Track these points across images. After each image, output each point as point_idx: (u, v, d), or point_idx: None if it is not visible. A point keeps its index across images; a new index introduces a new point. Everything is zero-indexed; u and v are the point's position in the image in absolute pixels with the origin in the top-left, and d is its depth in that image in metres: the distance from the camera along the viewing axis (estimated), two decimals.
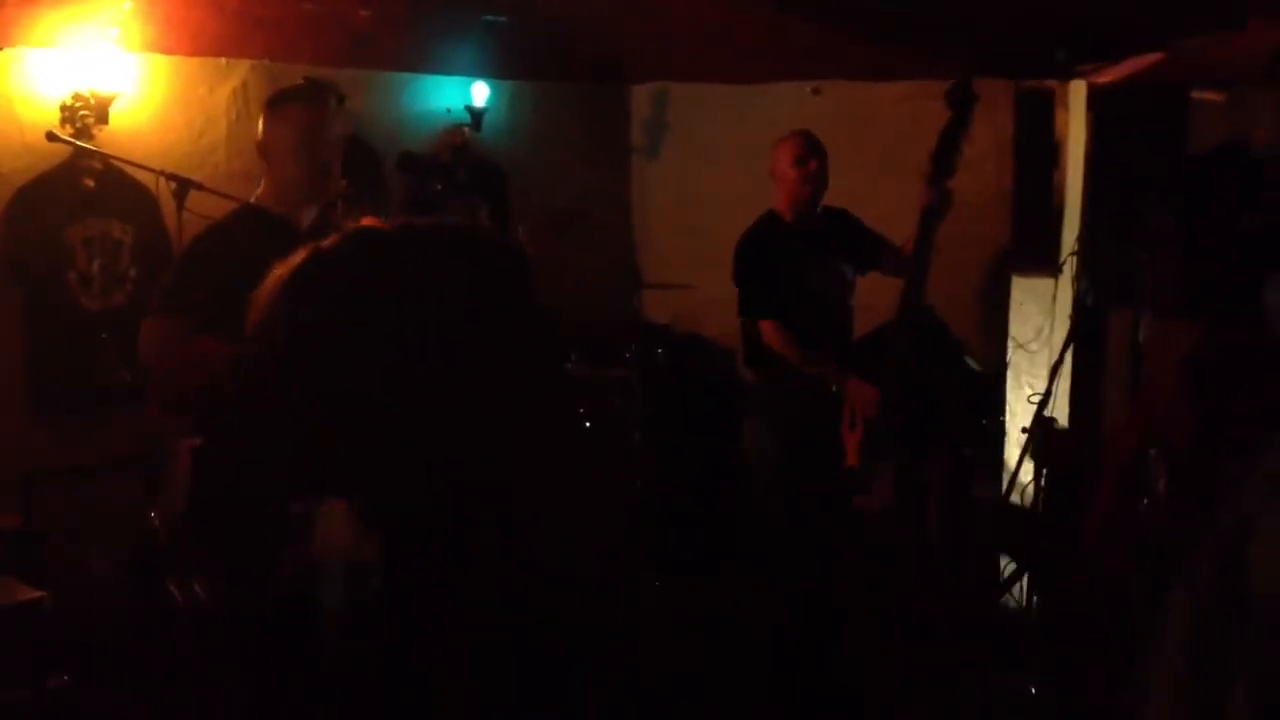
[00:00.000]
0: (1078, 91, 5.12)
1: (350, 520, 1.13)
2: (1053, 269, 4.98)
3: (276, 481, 1.16)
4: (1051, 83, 5.17)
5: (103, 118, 4.32)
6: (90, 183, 4.35)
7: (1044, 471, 4.28)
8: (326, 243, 1.12)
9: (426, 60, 5.42)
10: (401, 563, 1.12)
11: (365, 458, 1.08)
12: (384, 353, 1.06)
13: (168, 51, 4.55)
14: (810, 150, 4.34)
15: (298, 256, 1.11)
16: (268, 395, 1.09)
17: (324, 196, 3.10)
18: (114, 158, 4.28)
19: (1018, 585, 4.33)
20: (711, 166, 5.92)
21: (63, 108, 4.25)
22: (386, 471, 1.08)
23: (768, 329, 4.28)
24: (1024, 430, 4.34)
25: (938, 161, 3.96)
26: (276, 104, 3.11)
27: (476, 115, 5.58)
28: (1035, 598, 4.22)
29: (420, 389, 1.06)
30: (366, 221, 1.18)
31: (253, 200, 3.13)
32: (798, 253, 4.34)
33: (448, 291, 1.09)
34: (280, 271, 1.11)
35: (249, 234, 3.01)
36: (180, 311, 2.92)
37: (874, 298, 4.56)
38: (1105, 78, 5.00)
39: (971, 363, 4.43)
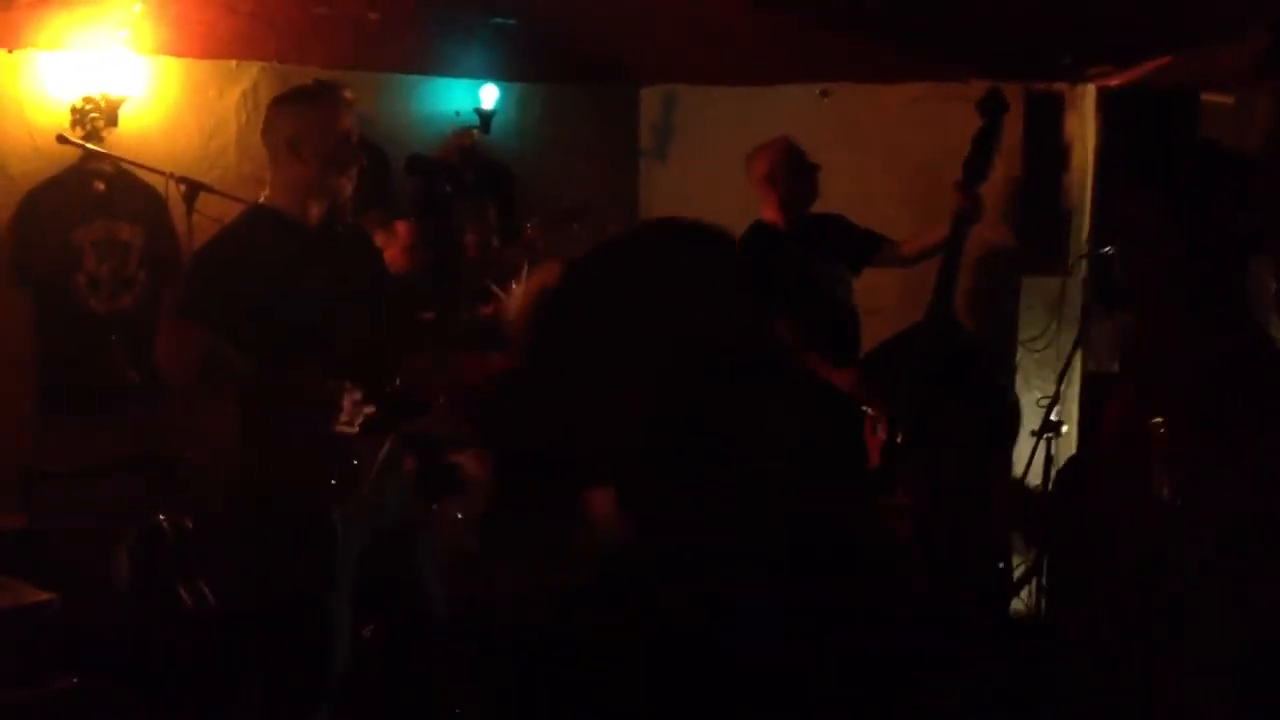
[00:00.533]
0: (1087, 94, 5.11)
1: (612, 504, 1.21)
2: (1062, 271, 4.97)
3: (568, 476, 1.24)
4: (1061, 85, 5.16)
5: (112, 120, 4.33)
6: (100, 185, 4.37)
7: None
8: (580, 255, 1.21)
9: (435, 63, 5.44)
10: (652, 539, 1.20)
11: (628, 447, 1.17)
12: (641, 350, 1.14)
13: (178, 54, 4.57)
14: (792, 158, 4.34)
15: (552, 271, 1.21)
16: (540, 400, 1.20)
17: (332, 195, 3.08)
18: (124, 160, 4.29)
19: (1027, 588, 4.32)
20: (719, 169, 5.89)
21: (73, 110, 4.27)
22: (643, 458, 1.17)
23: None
24: (1033, 434, 4.33)
25: (970, 168, 3.96)
26: (282, 102, 3.10)
27: (485, 118, 5.59)
28: (1044, 600, 4.21)
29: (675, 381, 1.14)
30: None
31: (261, 199, 3.12)
32: (795, 257, 4.32)
33: (698, 289, 1.17)
34: (535, 285, 1.21)
35: (260, 235, 3.02)
36: (195, 316, 2.93)
37: (879, 300, 4.55)
38: (1115, 80, 4.99)
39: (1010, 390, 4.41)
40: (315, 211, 3.08)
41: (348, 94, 3.11)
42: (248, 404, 2.94)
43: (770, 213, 4.38)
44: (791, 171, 4.35)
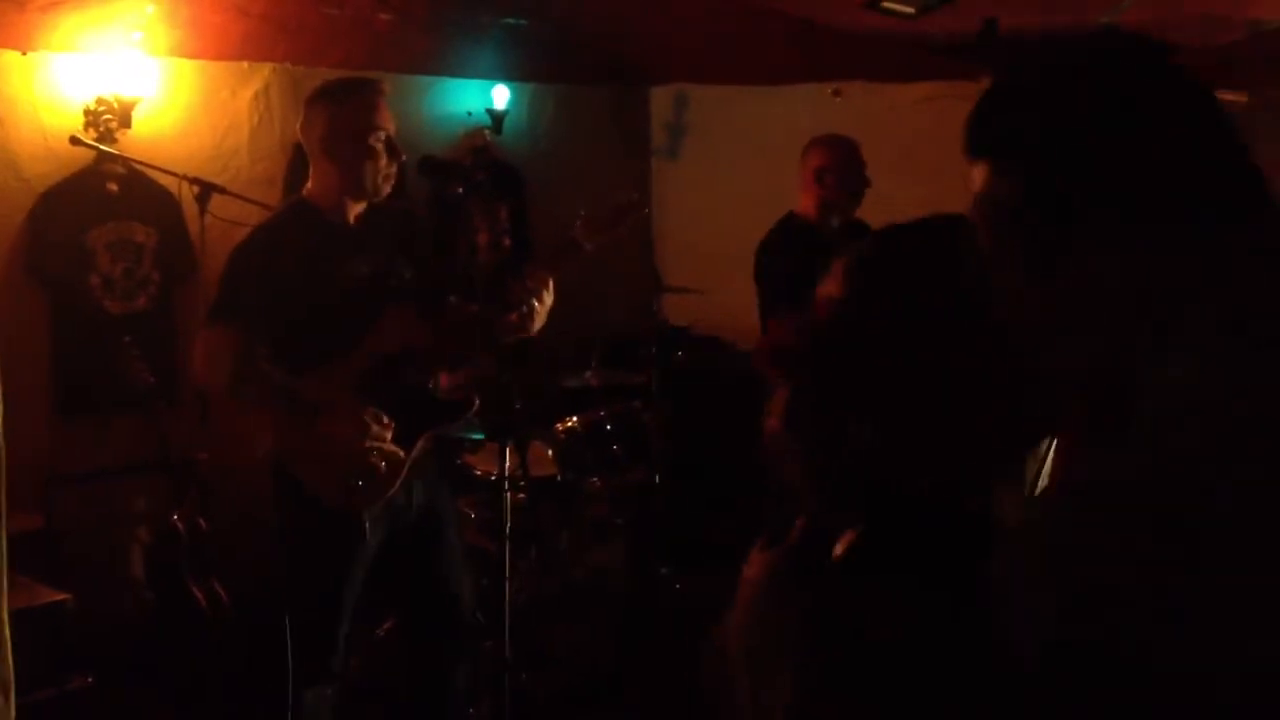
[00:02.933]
0: None
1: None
2: None
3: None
4: None
5: (126, 122, 4.34)
6: (113, 187, 4.38)
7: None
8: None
9: (447, 64, 5.44)
10: None
11: None
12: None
13: (190, 55, 4.58)
14: (850, 165, 4.27)
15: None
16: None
17: (368, 195, 3.02)
18: (137, 162, 4.31)
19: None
20: (731, 168, 5.92)
21: (86, 112, 4.28)
22: None
23: None
24: None
25: None
26: (315, 100, 3.03)
27: (497, 118, 5.60)
28: None
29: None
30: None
31: (304, 194, 3.07)
32: (818, 257, 4.26)
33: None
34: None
35: (297, 233, 2.97)
36: (227, 319, 2.88)
37: None
38: None
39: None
40: (352, 207, 3.02)
41: (384, 88, 3.05)
42: (278, 411, 2.92)
43: (806, 206, 4.32)
44: (843, 179, 4.25)
